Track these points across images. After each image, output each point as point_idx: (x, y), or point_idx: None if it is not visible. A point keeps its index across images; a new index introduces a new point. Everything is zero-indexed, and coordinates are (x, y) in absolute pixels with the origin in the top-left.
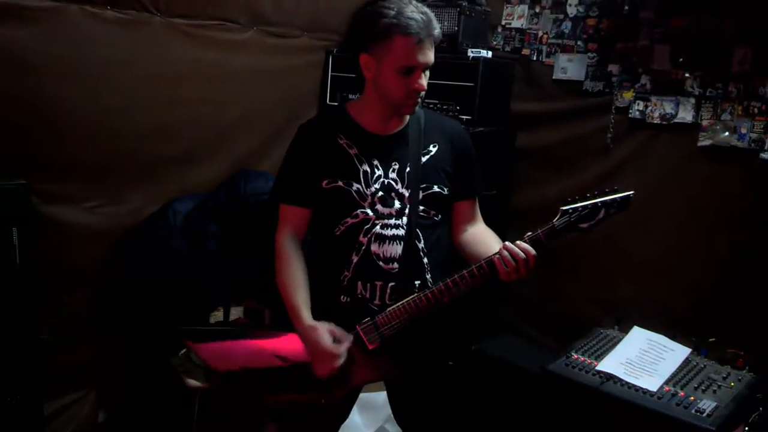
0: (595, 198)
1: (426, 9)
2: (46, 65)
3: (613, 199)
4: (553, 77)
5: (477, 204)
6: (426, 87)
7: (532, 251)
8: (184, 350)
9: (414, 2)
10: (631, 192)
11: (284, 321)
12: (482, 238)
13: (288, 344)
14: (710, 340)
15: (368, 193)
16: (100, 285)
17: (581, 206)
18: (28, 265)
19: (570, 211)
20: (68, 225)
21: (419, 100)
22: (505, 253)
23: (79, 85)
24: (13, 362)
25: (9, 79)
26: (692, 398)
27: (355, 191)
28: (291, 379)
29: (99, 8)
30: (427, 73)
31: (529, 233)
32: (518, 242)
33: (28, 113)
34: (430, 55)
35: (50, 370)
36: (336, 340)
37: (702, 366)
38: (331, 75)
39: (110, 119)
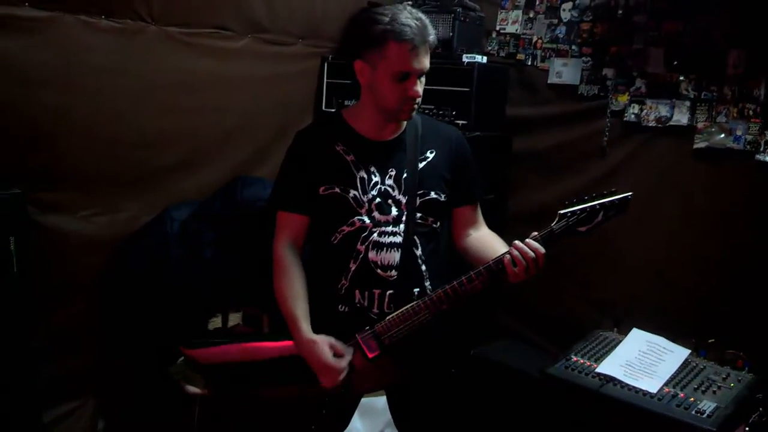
0: (593, 200)
1: (421, 15)
2: (41, 75)
3: (611, 201)
4: (548, 82)
5: (479, 209)
6: (421, 93)
7: (542, 249)
8: (183, 357)
9: (409, 8)
10: (629, 193)
11: (283, 327)
12: (487, 241)
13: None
14: (709, 341)
15: (365, 199)
16: (97, 293)
17: (579, 209)
18: (26, 274)
19: (568, 214)
20: (65, 234)
21: (415, 106)
22: (516, 252)
23: (75, 95)
24: (12, 371)
25: (4, 89)
26: (692, 399)
27: (352, 198)
28: (289, 372)
29: (94, 18)
30: (423, 79)
31: (535, 233)
32: (527, 240)
33: (23, 123)
34: (425, 62)
35: (49, 378)
36: (336, 354)
37: (702, 367)
38: (327, 82)
39: (106, 128)
